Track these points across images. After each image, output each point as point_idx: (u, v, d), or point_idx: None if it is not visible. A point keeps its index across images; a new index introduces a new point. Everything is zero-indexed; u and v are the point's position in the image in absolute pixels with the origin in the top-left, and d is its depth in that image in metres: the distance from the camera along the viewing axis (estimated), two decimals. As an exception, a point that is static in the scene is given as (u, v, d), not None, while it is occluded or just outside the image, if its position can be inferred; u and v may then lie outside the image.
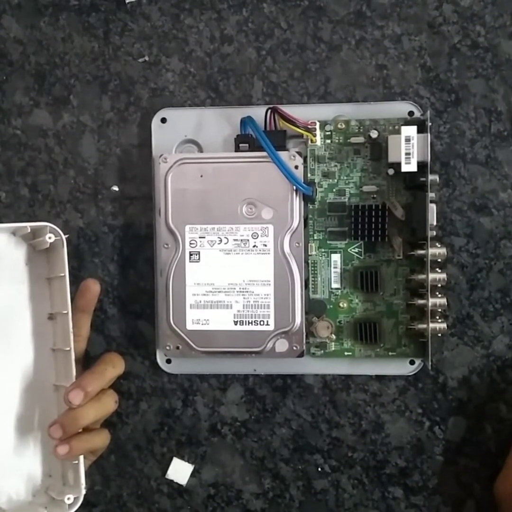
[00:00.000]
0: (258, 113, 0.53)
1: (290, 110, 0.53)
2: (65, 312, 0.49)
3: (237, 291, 0.52)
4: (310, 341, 0.54)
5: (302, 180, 0.51)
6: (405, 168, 0.50)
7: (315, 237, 0.54)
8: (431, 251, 0.51)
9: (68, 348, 0.49)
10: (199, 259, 0.53)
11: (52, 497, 0.49)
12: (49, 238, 0.48)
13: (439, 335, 0.52)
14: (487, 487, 0.55)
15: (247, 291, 0.52)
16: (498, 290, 0.55)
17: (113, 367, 0.51)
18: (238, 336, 0.52)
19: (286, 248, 0.52)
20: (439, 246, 0.51)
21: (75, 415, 0.47)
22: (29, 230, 0.50)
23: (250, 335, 0.52)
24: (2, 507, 0.49)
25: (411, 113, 0.54)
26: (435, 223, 0.51)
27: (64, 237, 0.49)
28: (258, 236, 0.52)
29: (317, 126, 0.53)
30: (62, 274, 0.49)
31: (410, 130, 0.50)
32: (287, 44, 0.56)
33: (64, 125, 0.57)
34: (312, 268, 0.54)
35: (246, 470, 0.57)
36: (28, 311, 0.51)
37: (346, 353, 0.54)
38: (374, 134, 0.53)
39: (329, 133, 0.54)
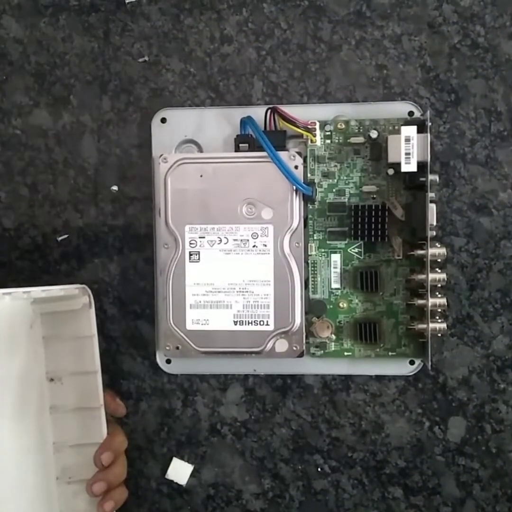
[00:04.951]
0: (258, 113, 0.53)
1: (290, 110, 0.53)
2: (95, 370, 0.49)
3: (237, 291, 0.52)
4: (310, 341, 0.54)
5: (302, 180, 0.51)
6: (405, 168, 0.50)
7: (315, 237, 0.54)
8: (431, 251, 0.51)
9: (98, 406, 0.49)
10: (199, 259, 0.53)
11: None
12: (84, 300, 0.48)
13: (439, 335, 0.51)
14: (487, 487, 0.55)
15: (247, 291, 0.52)
16: (498, 290, 0.55)
17: (122, 435, 0.53)
18: (238, 336, 0.52)
19: (286, 248, 0.52)
20: (439, 246, 0.51)
21: (108, 473, 0.49)
22: (62, 294, 0.49)
23: (250, 335, 0.52)
24: None
25: (411, 113, 0.54)
26: (435, 223, 0.51)
27: (92, 298, 0.49)
28: (258, 236, 0.52)
29: (317, 126, 0.53)
30: (90, 334, 0.49)
31: (410, 130, 0.50)
32: (287, 44, 0.56)
33: (64, 125, 0.57)
34: (312, 268, 0.54)
35: (246, 470, 0.57)
36: (34, 373, 0.50)
37: (346, 353, 0.54)
38: (374, 134, 0.53)
39: (329, 133, 0.54)
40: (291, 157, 0.52)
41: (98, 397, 0.49)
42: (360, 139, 0.53)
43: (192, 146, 0.56)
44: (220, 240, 0.52)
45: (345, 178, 0.54)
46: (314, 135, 0.53)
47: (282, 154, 0.51)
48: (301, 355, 0.52)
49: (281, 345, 0.52)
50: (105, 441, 0.49)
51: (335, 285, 0.54)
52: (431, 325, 0.51)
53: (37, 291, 0.47)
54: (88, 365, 0.49)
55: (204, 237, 0.52)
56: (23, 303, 0.49)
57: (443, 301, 0.51)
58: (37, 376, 0.50)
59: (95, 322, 0.49)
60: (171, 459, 0.57)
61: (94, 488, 0.48)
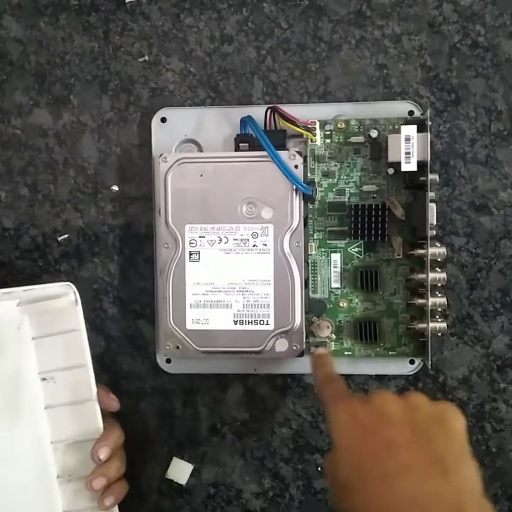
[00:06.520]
0: (258, 112, 0.53)
1: (290, 109, 0.53)
2: (86, 364, 0.49)
3: (237, 291, 0.52)
4: (310, 341, 0.54)
5: (302, 180, 0.51)
6: (405, 167, 0.50)
7: (315, 237, 0.54)
8: (431, 250, 0.51)
9: (92, 400, 0.49)
10: (199, 258, 0.53)
11: None
12: (70, 298, 0.48)
13: (439, 334, 0.52)
14: (487, 487, 0.55)
15: (247, 291, 0.52)
16: (498, 289, 0.55)
17: (119, 429, 0.52)
18: (238, 335, 0.52)
19: (286, 248, 0.52)
20: (439, 245, 0.51)
21: (106, 467, 0.49)
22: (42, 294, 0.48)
23: (250, 335, 0.52)
24: None
25: (411, 112, 0.54)
26: (435, 222, 0.51)
27: (77, 295, 0.48)
28: (258, 235, 0.52)
29: (317, 126, 0.53)
30: (79, 329, 0.48)
31: (410, 130, 0.50)
32: (287, 44, 0.56)
33: (64, 125, 0.57)
34: (312, 268, 0.54)
35: (246, 470, 0.57)
36: (25, 375, 0.50)
37: (346, 353, 0.54)
38: (374, 133, 0.53)
39: (329, 132, 0.54)
40: (291, 157, 0.52)
41: (91, 391, 0.48)
42: (360, 139, 0.53)
43: (192, 145, 0.56)
44: (220, 240, 0.52)
45: (345, 177, 0.54)
46: (314, 135, 0.53)
47: (282, 154, 0.51)
48: (301, 354, 0.52)
49: (281, 345, 0.52)
50: (102, 436, 0.49)
51: (335, 284, 0.54)
52: (431, 325, 0.51)
53: (18, 291, 0.46)
54: (78, 360, 0.48)
55: (204, 237, 0.52)
56: (9, 304, 0.49)
57: (443, 300, 0.51)
58: (28, 377, 0.50)
59: (83, 318, 0.48)
60: (171, 459, 0.57)
61: (94, 484, 0.48)
